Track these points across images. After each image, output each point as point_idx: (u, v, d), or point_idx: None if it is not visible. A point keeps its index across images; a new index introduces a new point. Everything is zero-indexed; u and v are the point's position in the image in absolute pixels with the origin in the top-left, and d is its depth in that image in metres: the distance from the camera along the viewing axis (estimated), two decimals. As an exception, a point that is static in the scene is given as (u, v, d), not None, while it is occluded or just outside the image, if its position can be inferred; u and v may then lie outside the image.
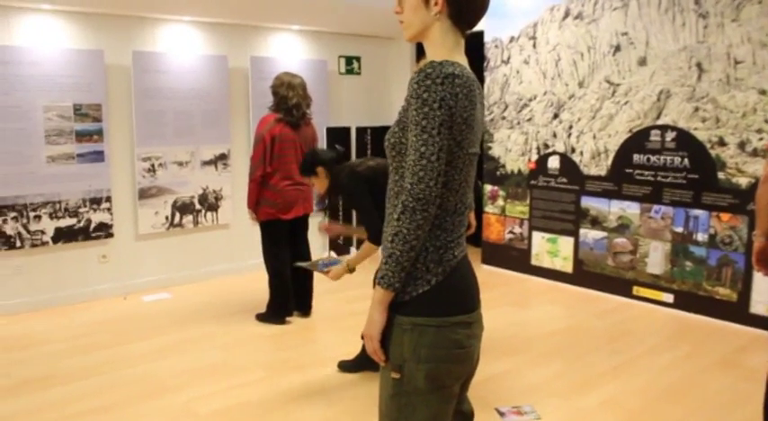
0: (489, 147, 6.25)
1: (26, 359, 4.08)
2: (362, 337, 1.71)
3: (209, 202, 5.90)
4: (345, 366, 3.87)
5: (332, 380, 3.75)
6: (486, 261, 6.39)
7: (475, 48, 1.41)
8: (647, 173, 5.10)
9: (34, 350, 4.24)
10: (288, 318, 4.75)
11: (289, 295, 4.71)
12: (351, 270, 3.49)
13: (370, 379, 3.71)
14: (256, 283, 5.48)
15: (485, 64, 6.25)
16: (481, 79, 6.02)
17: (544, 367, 3.96)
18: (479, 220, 6.01)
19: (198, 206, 5.83)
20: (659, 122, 5.00)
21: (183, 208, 5.73)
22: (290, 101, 4.51)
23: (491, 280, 5.88)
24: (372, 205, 3.46)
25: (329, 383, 3.70)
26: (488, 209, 6.36)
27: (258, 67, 6.05)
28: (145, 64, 5.41)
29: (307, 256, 4.78)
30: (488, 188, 6.32)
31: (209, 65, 5.77)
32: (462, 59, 1.73)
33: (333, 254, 3.76)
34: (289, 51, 6.40)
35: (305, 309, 4.85)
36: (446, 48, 1.71)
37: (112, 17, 5.28)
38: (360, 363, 3.82)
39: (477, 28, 1.75)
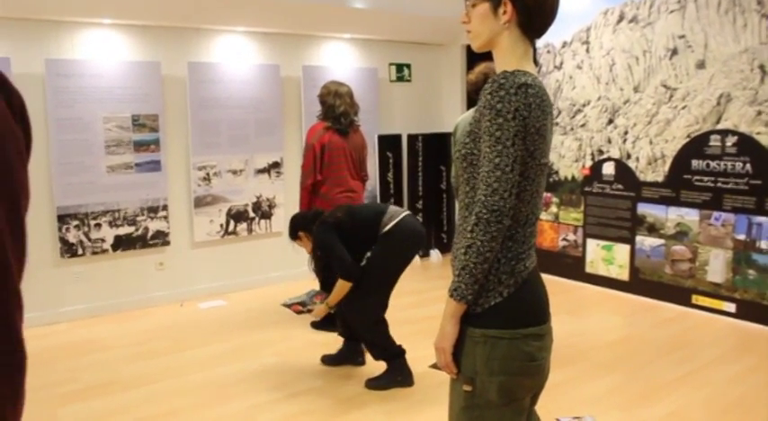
0: (542, 154, 6.18)
1: (89, 365, 4.18)
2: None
3: (263, 210, 5.96)
4: (328, 360, 4.12)
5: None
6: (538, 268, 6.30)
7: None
8: (706, 179, 4.98)
9: (97, 355, 4.34)
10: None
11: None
12: (331, 308, 3.78)
13: (430, 388, 3.70)
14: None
15: (536, 70, 6.18)
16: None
17: (604, 378, 3.89)
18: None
19: (252, 214, 5.90)
20: (719, 127, 4.88)
21: (237, 216, 5.81)
22: (337, 109, 4.54)
23: (545, 288, 5.80)
24: (342, 249, 3.64)
25: (387, 391, 3.69)
26: (541, 215, 6.28)
27: (310, 75, 6.10)
28: (200, 74, 5.51)
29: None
30: (541, 195, 6.23)
31: (263, 74, 5.84)
32: (531, 68, 1.71)
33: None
34: (340, 60, 6.44)
35: (359, 317, 4.86)
36: (516, 56, 1.70)
37: (169, 29, 5.40)
38: (341, 358, 4.10)
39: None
